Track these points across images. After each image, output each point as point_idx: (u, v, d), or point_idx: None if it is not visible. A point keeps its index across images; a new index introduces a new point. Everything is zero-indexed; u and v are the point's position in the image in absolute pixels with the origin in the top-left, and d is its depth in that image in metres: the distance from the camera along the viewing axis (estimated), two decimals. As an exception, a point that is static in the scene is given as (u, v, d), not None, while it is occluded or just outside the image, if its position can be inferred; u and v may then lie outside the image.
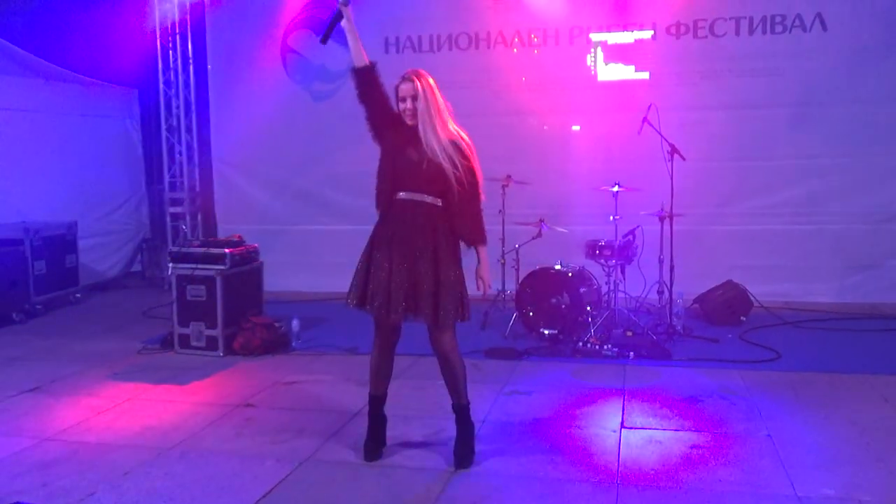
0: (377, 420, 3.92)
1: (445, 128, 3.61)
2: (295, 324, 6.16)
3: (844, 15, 7.27)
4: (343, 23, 3.72)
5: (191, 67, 8.96)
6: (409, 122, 3.63)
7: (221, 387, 5.14)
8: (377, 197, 3.77)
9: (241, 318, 6.00)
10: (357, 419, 4.40)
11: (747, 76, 7.49)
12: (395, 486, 3.54)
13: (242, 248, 6.21)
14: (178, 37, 8.89)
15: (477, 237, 3.74)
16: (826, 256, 7.47)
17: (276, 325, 6.11)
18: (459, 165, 3.57)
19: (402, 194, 3.67)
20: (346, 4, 3.70)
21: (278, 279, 7.89)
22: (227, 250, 5.96)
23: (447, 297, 3.63)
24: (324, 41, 3.83)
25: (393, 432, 4.11)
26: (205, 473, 3.70)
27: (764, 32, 7.45)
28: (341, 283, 8.28)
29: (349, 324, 6.85)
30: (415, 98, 3.58)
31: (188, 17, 8.85)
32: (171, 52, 8.93)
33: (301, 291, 8.25)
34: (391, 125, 3.69)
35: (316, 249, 8.51)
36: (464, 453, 3.76)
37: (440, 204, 3.64)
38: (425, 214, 3.64)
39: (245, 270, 6.17)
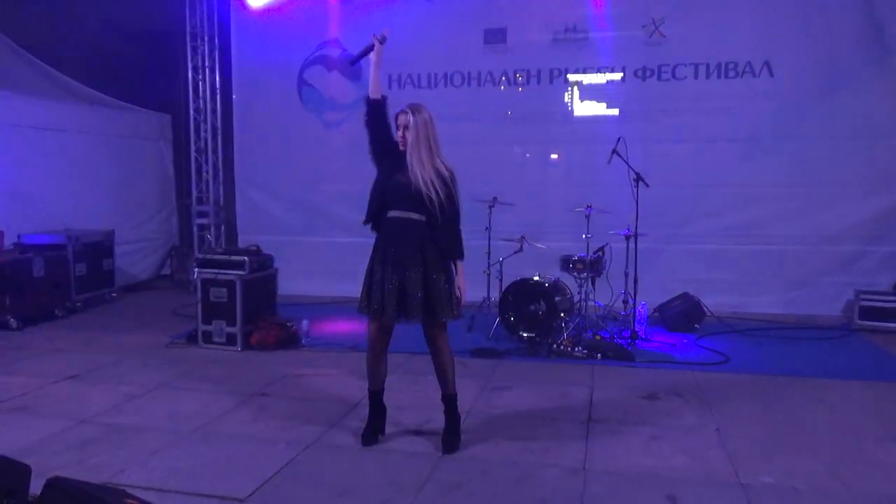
0: (377, 411, 3.94)
1: (431, 159, 3.65)
2: (305, 323, 6.17)
3: (789, 63, 7.36)
4: (372, 55, 3.78)
5: (218, 97, 8.99)
6: (401, 148, 3.67)
7: (239, 378, 5.13)
8: (367, 213, 3.84)
9: (258, 318, 6.01)
10: (358, 409, 4.42)
11: (704, 114, 7.55)
12: (389, 469, 3.55)
13: (260, 255, 6.21)
14: (206, 70, 8.94)
15: (455, 253, 3.79)
16: (770, 273, 7.50)
17: (289, 324, 6.11)
18: (441, 193, 3.62)
19: (392, 212, 3.72)
20: (382, 41, 3.72)
21: (291, 284, 7.89)
22: (246, 258, 5.97)
23: (436, 299, 3.66)
24: (352, 63, 3.85)
25: (389, 421, 4.13)
26: (223, 454, 3.71)
27: (719, 77, 7.52)
28: (346, 288, 8.42)
29: (353, 324, 6.90)
30: (407, 128, 3.64)
31: (216, 53, 8.91)
32: (200, 83, 8.98)
33: (311, 295, 8.23)
34: (389, 152, 3.73)
35: (324, 258, 8.52)
36: (451, 440, 3.78)
37: (425, 220, 3.68)
38: (413, 229, 3.69)
39: (261, 276, 6.17)
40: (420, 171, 3.61)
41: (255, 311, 6.02)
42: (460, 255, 3.81)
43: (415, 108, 3.67)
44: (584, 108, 7.89)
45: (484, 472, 3.50)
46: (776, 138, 7.40)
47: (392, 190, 3.70)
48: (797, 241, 7.41)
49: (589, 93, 7.86)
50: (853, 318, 6.89)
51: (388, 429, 4.02)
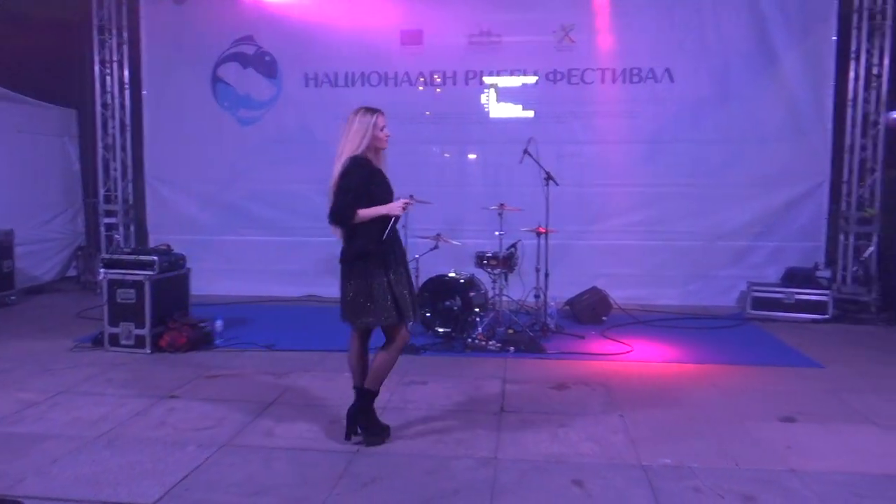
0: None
1: None
2: (219, 324, 5.99)
3: (688, 71, 7.72)
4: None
5: (127, 92, 8.61)
6: (385, 146, 3.77)
7: (148, 381, 4.92)
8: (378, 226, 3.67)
9: (169, 319, 5.78)
10: (273, 408, 4.33)
11: (611, 117, 7.82)
12: (304, 467, 3.49)
13: (171, 255, 5.98)
14: (115, 64, 8.54)
15: None
16: (672, 267, 7.85)
17: (202, 324, 5.91)
18: None
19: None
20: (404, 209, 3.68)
21: (206, 284, 7.68)
22: (155, 257, 5.73)
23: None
24: (383, 238, 3.65)
25: (305, 419, 4.07)
26: (129, 459, 3.55)
27: (624, 82, 7.81)
28: (262, 287, 8.28)
29: (268, 323, 6.77)
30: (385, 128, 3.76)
31: (125, 46, 8.53)
32: (108, 77, 8.56)
33: (226, 295, 8.02)
34: (370, 181, 3.64)
35: (240, 257, 8.32)
36: (352, 429, 3.82)
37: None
38: (397, 231, 3.81)
39: (173, 276, 5.94)
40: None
41: (165, 313, 5.79)
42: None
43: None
44: (501, 110, 8.02)
45: (398, 465, 3.50)
46: (676, 141, 7.75)
47: (390, 198, 3.73)
48: (695, 237, 7.80)
49: (505, 95, 8.00)
50: (746, 308, 7.30)
51: (305, 426, 3.96)
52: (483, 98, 8.05)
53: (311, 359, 5.50)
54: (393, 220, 3.67)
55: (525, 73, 7.94)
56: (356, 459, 3.57)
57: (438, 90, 8.11)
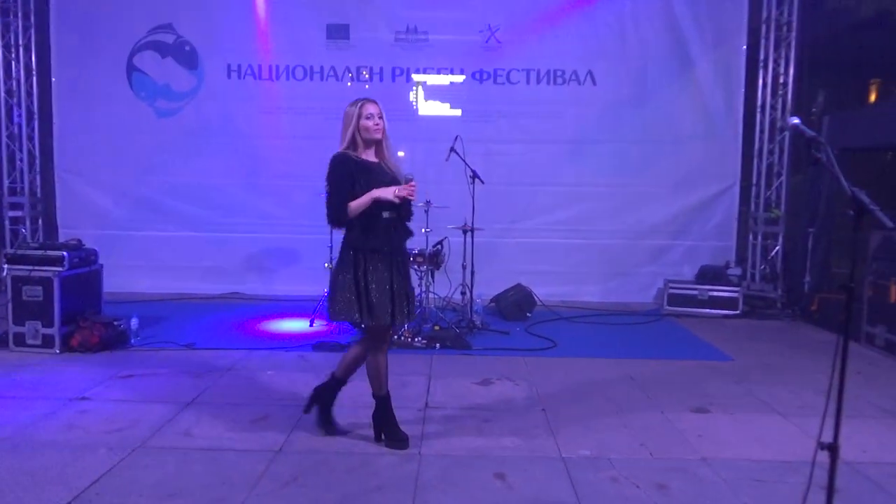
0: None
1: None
2: (134, 322, 5.75)
3: (609, 74, 7.95)
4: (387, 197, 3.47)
5: (34, 79, 8.12)
6: (376, 136, 3.53)
7: (57, 382, 4.67)
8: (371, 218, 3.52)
9: (80, 318, 5.50)
10: (190, 408, 4.19)
11: (535, 117, 7.96)
12: (222, 468, 3.39)
13: (81, 250, 5.69)
14: (21, 49, 8.04)
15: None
16: (594, 265, 8.06)
17: (115, 323, 5.65)
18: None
19: (385, 214, 3.53)
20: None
21: (121, 281, 7.40)
22: (65, 253, 5.44)
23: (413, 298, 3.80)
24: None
25: (225, 419, 3.97)
26: (36, 465, 3.36)
27: (549, 83, 7.97)
28: (182, 284, 8.01)
29: (188, 322, 6.55)
30: (381, 116, 3.56)
31: (32, 31, 8.05)
32: (13, 62, 8.06)
33: (143, 293, 7.71)
34: (354, 178, 3.48)
35: (157, 254, 8.01)
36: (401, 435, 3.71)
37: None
38: (400, 229, 3.63)
39: (84, 272, 5.66)
40: (394, 163, 3.61)
41: (75, 311, 5.51)
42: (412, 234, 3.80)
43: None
44: (429, 108, 8.03)
45: (321, 463, 3.46)
46: (598, 142, 7.97)
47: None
48: (616, 235, 8.04)
49: (433, 93, 8.01)
50: (663, 304, 7.59)
51: (225, 426, 3.87)
52: (411, 95, 8.05)
53: (234, 358, 5.36)
54: (389, 210, 3.48)
55: (452, 72, 7.98)
56: (277, 459, 3.50)
57: (367, 87, 8.04)
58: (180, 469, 3.37)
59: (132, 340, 5.68)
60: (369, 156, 3.58)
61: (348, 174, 3.47)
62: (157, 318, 6.55)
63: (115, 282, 7.08)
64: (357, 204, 3.45)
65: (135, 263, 7.87)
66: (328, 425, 3.83)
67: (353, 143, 3.55)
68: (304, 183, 7.73)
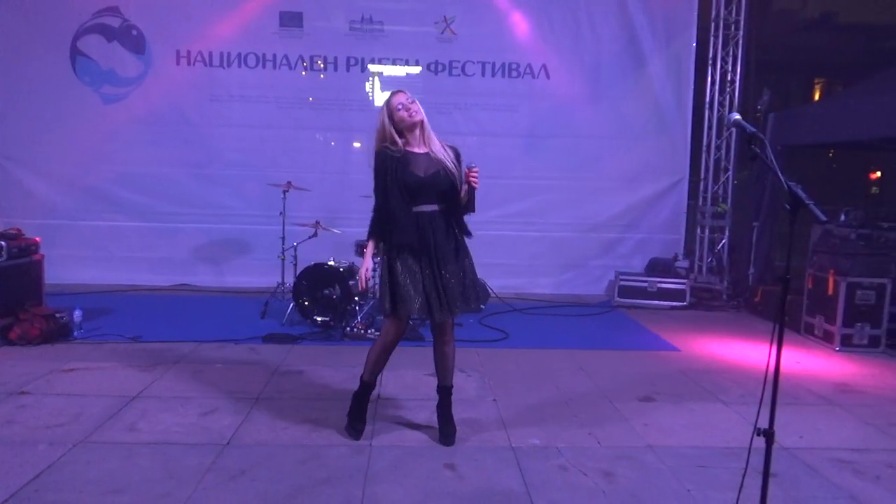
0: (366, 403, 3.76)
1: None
2: (77, 314, 5.57)
3: (563, 68, 8.02)
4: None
5: (-29, 62, 7.79)
6: (416, 118, 3.45)
7: (-6, 376, 4.51)
8: (385, 214, 3.54)
9: (20, 309, 5.32)
10: (135, 402, 4.10)
11: (490, 110, 7.99)
12: (168, 462, 3.32)
13: (20, 240, 5.50)
14: (-44, 29, 7.70)
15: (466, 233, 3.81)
16: (547, 257, 8.15)
17: (58, 315, 5.47)
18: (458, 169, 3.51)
19: (421, 207, 3.51)
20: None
21: (65, 272, 7.19)
22: (2, 242, 5.24)
23: (472, 289, 3.84)
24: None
25: (172, 412, 3.89)
26: (-32, 462, 3.24)
27: (503, 76, 8.00)
28: (129, 276, 7.81)
29: (135, 314, 6.39)
30: (412, 101, 3.49)
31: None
32: (-52, 44, 7.71)
33: (88, 284, 7.49)
34: (384, 173, 3.46)
35: (103, 244, 7.79)
36: (449, 430, 3.68)
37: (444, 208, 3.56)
38: (443, 220, 3.58)
39: (22, 262, 5.47)
40: (440, 150, 3.49)
41: (14, 302, 5.32)
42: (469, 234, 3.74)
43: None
44: (384, 98, 7.94)
45: (269, 456, 3.42)
46: (552, 136, 8.04)
47: (417, 184, 3.44)
48: (569, 228, 8.13)
49: (389, 83, 7.95)
50: (613, 296, 7.72)
51: (172, 419, 3.80)
52: (367, 86, 7.98)
53: (182, 350, 5.25)
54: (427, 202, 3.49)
55: (408, 63, 7.95)
56: (225, 452, 3.45)
57: (322, 76, 7.95)
58: (124, 464, 3.29)
59: (75, 333, 5.51)
60: (417, 143, 3.51)
61: (380, 172, 3.45)
62: (102, 310, 6.37)
63: (60, 273, 6.88)
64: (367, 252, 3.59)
65: (80, 254, 7.65)
66: (351, 426, 3.73)
67: (392, 137, 3.49)
68: (255, 173, 7.65)
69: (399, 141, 3.50)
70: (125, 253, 7.82)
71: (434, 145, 3.50)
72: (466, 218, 3.73)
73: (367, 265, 3.65)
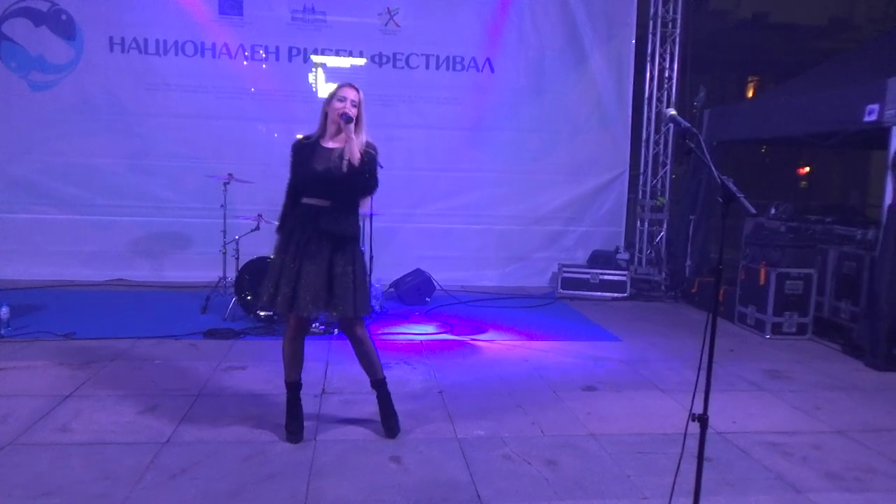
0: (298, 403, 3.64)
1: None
2: (4, 310, 5.32)
3: (507, 62, 8.07)
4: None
5: None
6: (346, 115, 3.38)
7: (-87, 378, 4.28)
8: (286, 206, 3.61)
9: (-59, 307, 5.06)
10: (68, 402, 3.95)
11: (435, 103, 7.98)
12: (104, 462, 3.22)
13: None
14: None
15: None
16: (492, 250, 8.22)
17: (-17, 312, 5.23)
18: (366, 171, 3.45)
19: (307, 199, 3.47)
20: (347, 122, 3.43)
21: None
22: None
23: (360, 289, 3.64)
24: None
25: (108, 411, 3.77)
26: None
27: (448, 69, 8.00)
28: (61, 271, 7.52)
29: (68, 310, 6.16)
30: (357, 103, 3.46)
31: None
32: None
33: (16, 279, 7.17)
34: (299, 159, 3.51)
35: (33, 238, 7.46)
36: (391, 423, 3.65)
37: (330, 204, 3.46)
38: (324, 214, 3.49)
39: (-55, 258, 5.20)
40: (352, 149, 3.37)
41: (-64, 299, 5.05)
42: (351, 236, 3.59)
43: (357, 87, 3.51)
44: (328, 90, 7.81)
45: (211, 454, 3.35)
46: (497, 129, 8.09)
47: (308, 176, 3.44)
48: (513, 221, 8.22)
49: (333, 75, 7.83)
50: (557, 287, 7.85)
51: (108, 418, 3.69)
52: (311, 77, 7.86)
53: (119, 347, 5.09)
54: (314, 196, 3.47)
55: (352, 55, 7.86)
56: (165, 451, 3.37)
57: (265, 66, 7.79)
58: (56, 466, 3.17)
59: (2, 331, 5.26)
60: (329, 142, 3.50)
61: (293, 161, 3.52)
62: (32, 306, 6.12)
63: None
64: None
65: (8, 248, 7.33)
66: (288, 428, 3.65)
67: (324, 127, 3.51)
68: (195, 164, 7.45)
69: (324, 132, 3.53)
70: (56, 247, 7.50)
71: (351, 143, 3.38)
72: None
73: None
